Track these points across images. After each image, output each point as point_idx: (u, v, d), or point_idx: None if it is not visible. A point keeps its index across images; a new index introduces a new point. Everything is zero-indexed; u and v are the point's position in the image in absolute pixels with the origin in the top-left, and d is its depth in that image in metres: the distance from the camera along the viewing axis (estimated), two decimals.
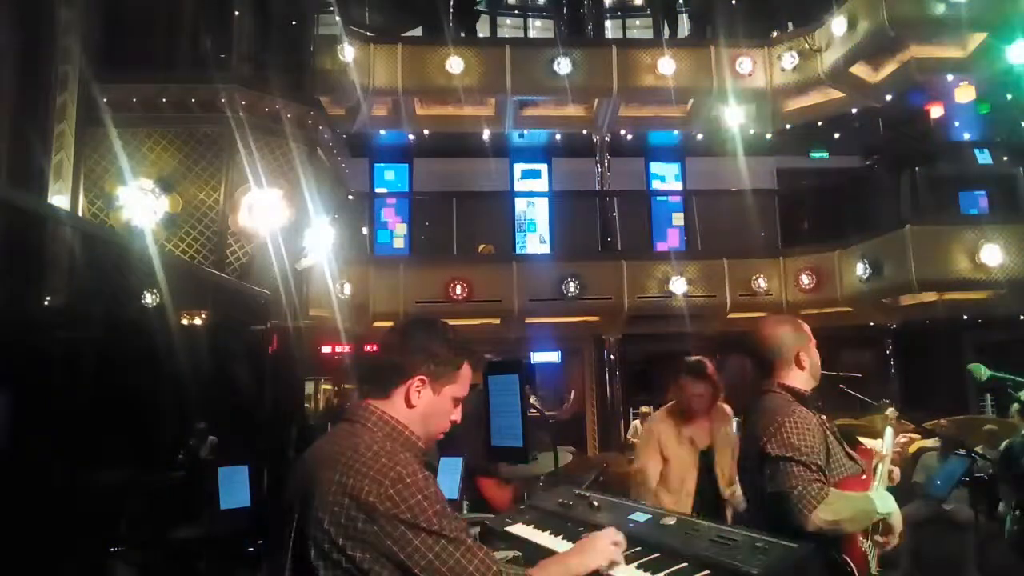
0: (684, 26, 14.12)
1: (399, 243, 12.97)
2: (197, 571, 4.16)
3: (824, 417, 2.27)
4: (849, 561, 2.06)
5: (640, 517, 2.02)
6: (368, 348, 9.24)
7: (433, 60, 10.82)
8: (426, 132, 12.04)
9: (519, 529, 2.16)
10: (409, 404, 1.61)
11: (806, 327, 2.41)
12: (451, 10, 12.69)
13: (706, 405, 3.48)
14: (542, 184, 14.04)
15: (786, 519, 1.99)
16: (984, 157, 11.39)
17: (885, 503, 2.12)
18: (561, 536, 2.03)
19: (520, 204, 13.32)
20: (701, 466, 3.45)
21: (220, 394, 5.73)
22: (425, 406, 1.62)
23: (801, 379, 2.33)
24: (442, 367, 1.64)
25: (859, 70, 10.54)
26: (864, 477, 2.25)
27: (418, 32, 12.78)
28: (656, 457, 3.47)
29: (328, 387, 11.12)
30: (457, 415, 1.71)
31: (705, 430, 3.51)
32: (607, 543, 1.68)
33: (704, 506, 3.37)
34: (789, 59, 11.01)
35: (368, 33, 10.83)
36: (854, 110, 11.55)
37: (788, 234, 11.85)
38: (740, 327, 11.37)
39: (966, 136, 12.54)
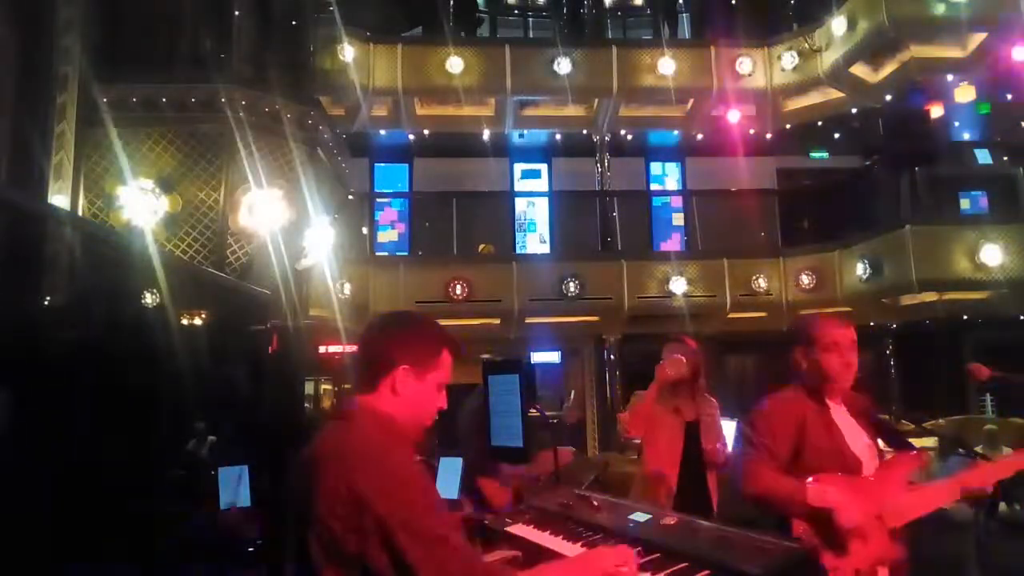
0: (684, 26, 14.13)
1: (389, 237, 12.96)
2: (197, 571, 4.16)
3: (827, 409, 2.34)
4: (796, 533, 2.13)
5: (640, 517, 2.02)
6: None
7: (433, 60, 10.82)
8: (426, 132, 12.04)
9: (519, 529, 2.16)
10: (395, 393, 1.65)
11: (816, 331, 2.42)
12: (451, 10, 12.69)
13: (683, 368, 3.65)
14: (542, 184, 14.03)
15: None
16: (984, 157, 11.39)
17: (821, 497, 2.10)
18: (561, 536, 2.03)
19: (520, 204, 13.31)
20: (688, 437, 3.65)
21: (220, 394, 5.73)
22: (411, 394, 1.66)
23: (806, 377, 2.40)
24: (423, 355, 1.69)
25: (859, 70, 10.54)
26: (872, 476, 2.25)
27: (418, 32, 12.78)
28: (641, 414, 3.67)
29: (328, 387, 11.12)
30: (443, 401, 1.76)
31: (690, 404, 3.72)
32: (611, 563, 1.67)
33: (689, 476, 3.60)
34: (789, 59, 11.01)
35: (368, 33, 10.83)
36: (854, 110, 11.55)
37: (788, 234, 11.86)
38: (740, 327, 11.39)
39: (966, 136, 12.54)
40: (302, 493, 1.53)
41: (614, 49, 11.30)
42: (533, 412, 3.34)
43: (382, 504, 1.43)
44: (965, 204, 10.36)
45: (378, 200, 13.04)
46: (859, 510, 2.11)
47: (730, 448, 5.88)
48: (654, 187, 14.03)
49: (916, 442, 2.33)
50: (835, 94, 11.20)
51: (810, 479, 2.15)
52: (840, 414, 2.38)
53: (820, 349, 2.37)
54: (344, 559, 1.44)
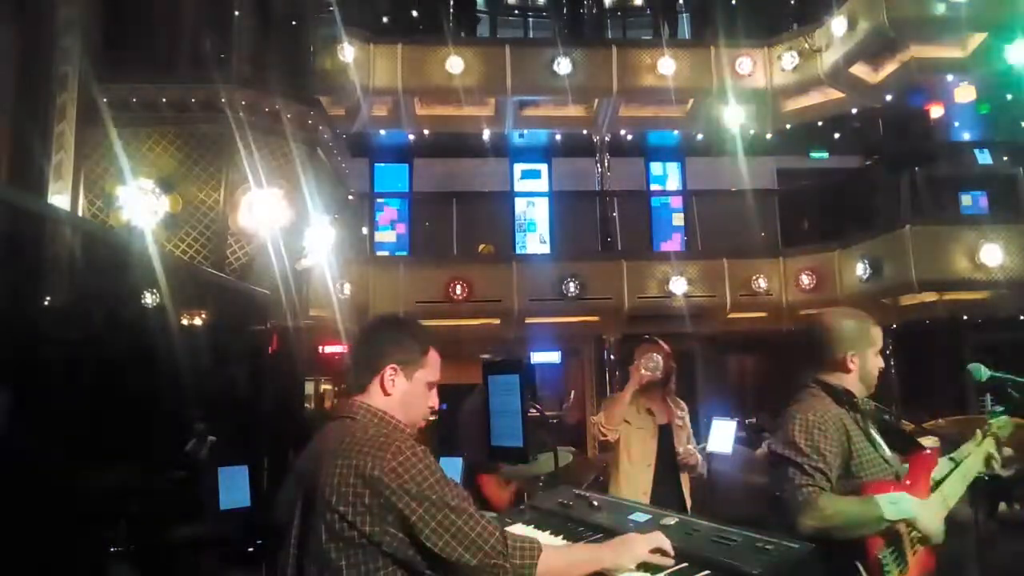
0: (684, 26, 14.13)
1: (389, 237, 12.97)
2: (197, 571, 4.16)
3: (859, 415, 2.18)
4: (861, 568, 1.98)
5: (640, 517, 2.01)
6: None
7: (433, 60, 10.82)
8: (426, 132, 12.04)
9: (519, 529, 2.16)
10: (385, 392, 1.70)
11: (873, 330, 2.27)
12: (451, 10, 12.69)
13: (658, 368, 3.69)
14: (542, 184, 14.03)
15: (783, 522, 1.95)
16: (984, 157, 11.38)
17: (898, 508, 1.97)
18: (561, 536, 2.02)
19: (520, 204, 13.31)
20: (660, 439, 3.67)
21: (220, 394, 5.73)
22: (401, 393, 1.71)
23: (847, 381, 2.22)
24: (409, 354, 1.74)
25: (859, 70, 10.54)
26: (908, 482, 2.15)
27: (418, 32, 12.78)
28: (618, 417, 3.67)
29: (328, 387, 11.13)
30: (434, 400, 1.79)
31: (663, 407, 3.75)
32: (644, 550, 1.66)
33: (663, 478, 3.62)
34: (789, 59, 11.01)
35: (368, 33, 10.83)
36: (854, 110, 11.55)
37: (788, 234, 11.85)
38: (740, 327, 11.38)
39: (966, 136, 12.54)
40: (306, 488, 1.54)
41: (614, 49, 11.30)
42: (533, 412, 3.33)
43: (397, 480, 1.46)
44: (966, 202, 10.36)
45: (378, 200, 13.04)
46: (935, 517, 2.00)
47: (729, 448, 5.88)
48: (654, 187, 14.03)
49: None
50: (835, 94, 11.20)
51: (880, 492, 2.00)
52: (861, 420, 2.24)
53: (874, 353, 2.23)
54: (354, 542, 1.46)
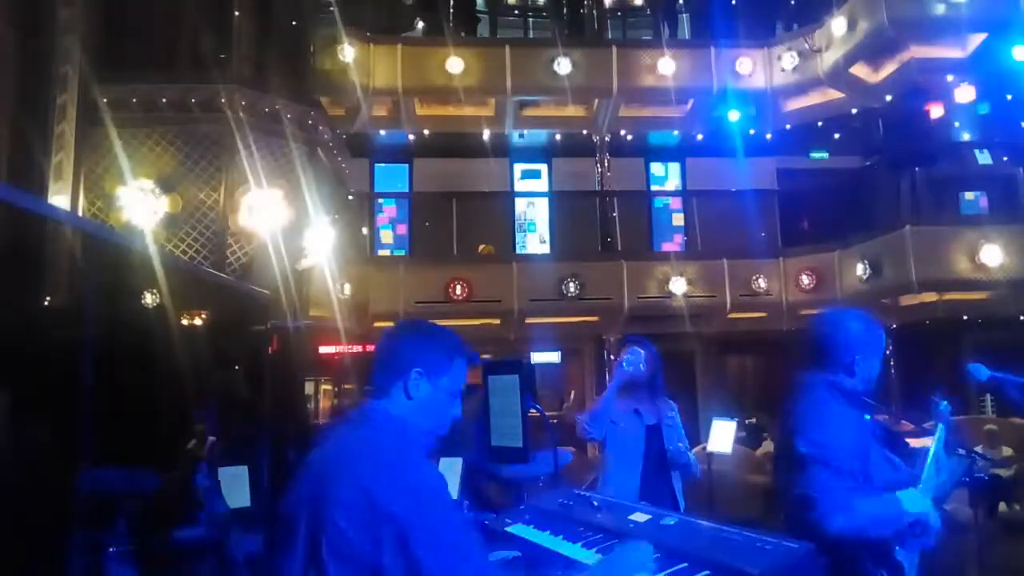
0: (684, 26, 14.14)
1: (389, 237, 12.98)
2: (197, 571, 4.16)
3: (870, 418, 2.19)
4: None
5: (640, 517, 2.01)
6: (373, 349, 9.25)
7: (433, 60, 10.83)
8: (426, 132, 12.04)
9: (519, 529, 2.16)
10: (408, 397, 1.66)
11: (880, 335, 2.26)
12: (451, 10, 12.70)
13: (640, 363, 3.68)
14: (542, 184, 14.03)
15: (808, 523, 1.91)
16: (984, 157, 11.39)
17: (916, 503, 2.01)
18: (561, 536, 2.02)
19: (520, 204, 13.32)
20: (649, 439, 3.65)
21: (220, 394, 5.74)
22: (424, 399, 1.67)
23: (850, 383, 2.21)
24: (435, 360, 1.70)
25: (859, 70, 10.55)
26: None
27: (418, 32, 12.79)
28: (601, 415, 3.69)
29: (328, 387, 11.13)
30: (457, 410, 1.75)
31: (650, 407, 3.73)
32: (639, 564, 1.64)
33: (653, 478, 3.59)
34: (789, 59, 11.02)
35: (368, 33, 10.84)
36: (854, 110, 11.55)
37: (788, 234, 11.87)
38: (740, 327, 11.39)
39: (966, 136, 12.55)
40: (313, 496, 1.52)
41: (614, 49, 11.30)
42: (533, 412, 3.32)
43: (399, 510, 1.43)
44: (969, 198, 10.37)
45: (378, 200, 13.04)
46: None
47: (729, 448, 5.85)
48: (654, 187, 14.03)
49: (916, 442, 2.25)
50: (835, 94, 11.20)
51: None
52: None
53: (875, 356, 2.23)
54: (357, 563, 1.43)
